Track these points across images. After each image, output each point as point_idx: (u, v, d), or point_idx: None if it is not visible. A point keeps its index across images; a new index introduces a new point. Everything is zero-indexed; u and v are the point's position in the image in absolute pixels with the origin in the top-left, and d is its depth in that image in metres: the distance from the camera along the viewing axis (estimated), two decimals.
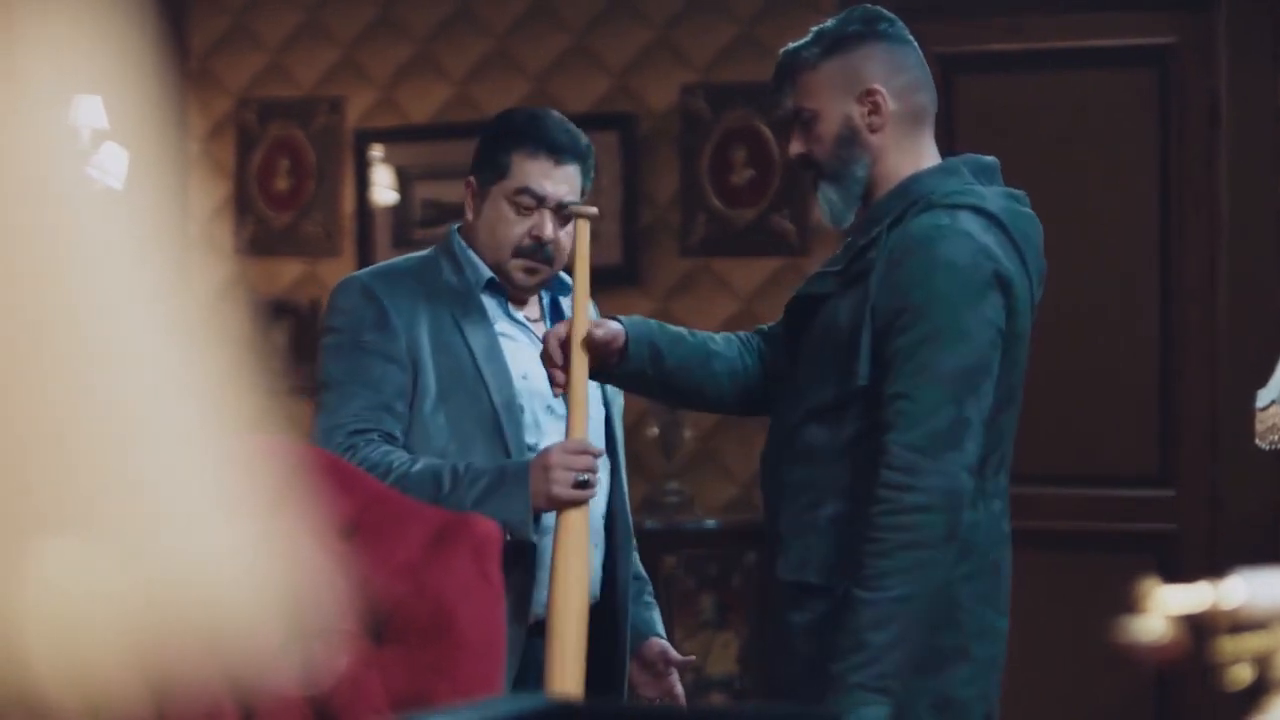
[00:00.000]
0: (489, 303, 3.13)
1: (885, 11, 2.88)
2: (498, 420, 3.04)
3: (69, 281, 1.29)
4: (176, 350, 1.34)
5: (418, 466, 2.97)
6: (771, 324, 3.00)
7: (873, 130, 2.81)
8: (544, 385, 2.95)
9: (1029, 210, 2.83)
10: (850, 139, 2.81)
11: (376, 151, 6.10)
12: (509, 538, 2.87)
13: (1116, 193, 5.34)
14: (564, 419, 2.99)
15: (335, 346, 3.09)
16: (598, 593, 3.10)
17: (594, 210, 3.06)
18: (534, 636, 2.98)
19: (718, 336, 3.00)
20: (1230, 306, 5.17)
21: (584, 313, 2.90)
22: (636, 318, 2.95)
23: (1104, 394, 5.33)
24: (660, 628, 3.28)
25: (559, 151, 3.09)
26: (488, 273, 3.13)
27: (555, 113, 3.19)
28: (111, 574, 1.25)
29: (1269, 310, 5.09)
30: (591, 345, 2.87)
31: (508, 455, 3.02)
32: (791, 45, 2.87)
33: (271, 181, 6.25)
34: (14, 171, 1.28)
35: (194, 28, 6.32)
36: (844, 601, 2.66)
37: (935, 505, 2.62)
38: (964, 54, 5.43)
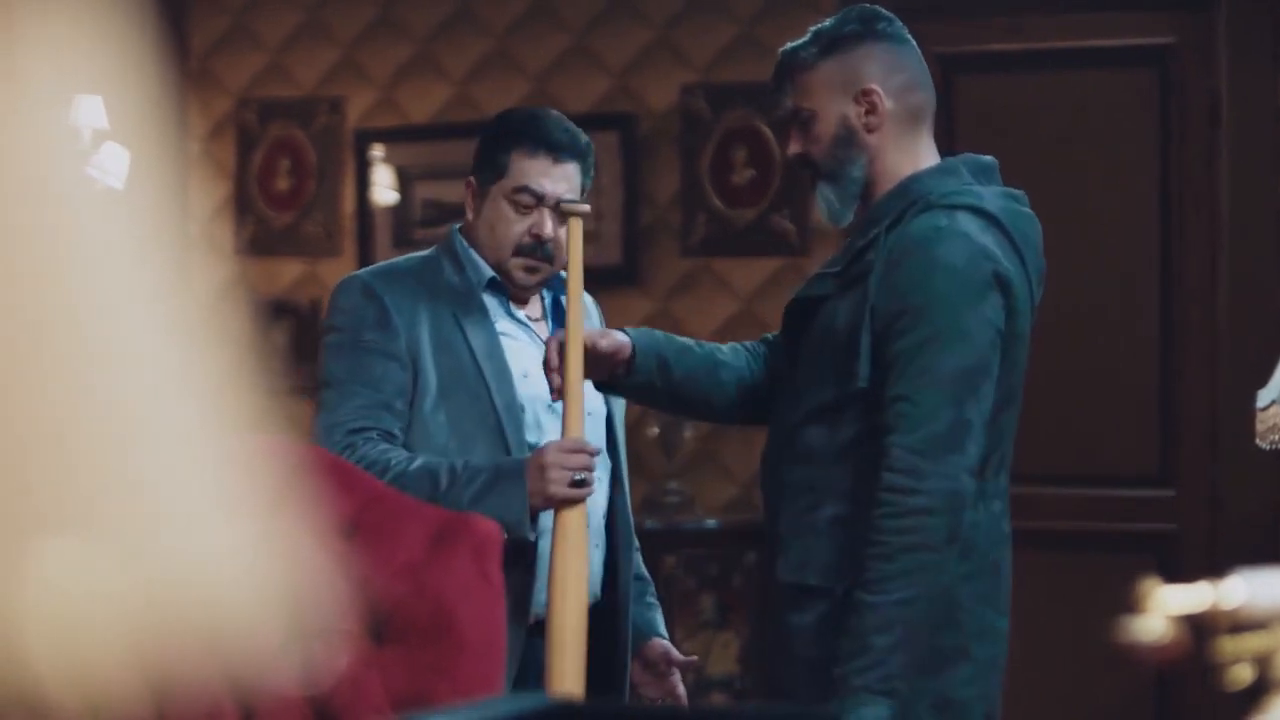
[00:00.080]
0: (490, 302, 3.14)
1: (883, 11, 2.87)
2: (498, 419, 3.04)
3: (69, 281, 1.29)
4: (176, 350, 1.34)
5: (416, 464, 2.97)
6: (776, 333, 3.00)
7: (869, 130, 2.80)
8: (545, 385, 2.95)
9: (1028, 210, 2.83)
10: (847, 139, 2.81)
11: (377, 151, 6.10)
12: (507, 536, 2.87)
13: (1116, 193, 5.34)
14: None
15: (336, 345, 3.09)
16: (599, 592, 3.10)
17: (586, 207, 3.06)
18: (534, 636, 2.98)
19: (725, 347, 3.00)
20: (1230, 306, 5.17)
21: (579, 311, 2.90)
22: (643, 329, 2.95)
23: (1104, 394, 5.33)
24: (662, 628, 3.28)
25: (558, 150, 3.10)
26: (489, 272, 3.13)
27: (554, 112, 3.20)
28: (111, 574, 1.26)
29: (1269, 310, 5.09)
30: (597, 357, 2.88)
31: (508, 454, 3.02)
32: (790, 45, 2.87)
33: (272, 181, 6.24)
34: (14, 171, 1.29)
35: (194, 28, 6.31)
36: (845, 603, 2.67)
37: (937, 508, 2.62)
38: (964, 54, 5.42)
